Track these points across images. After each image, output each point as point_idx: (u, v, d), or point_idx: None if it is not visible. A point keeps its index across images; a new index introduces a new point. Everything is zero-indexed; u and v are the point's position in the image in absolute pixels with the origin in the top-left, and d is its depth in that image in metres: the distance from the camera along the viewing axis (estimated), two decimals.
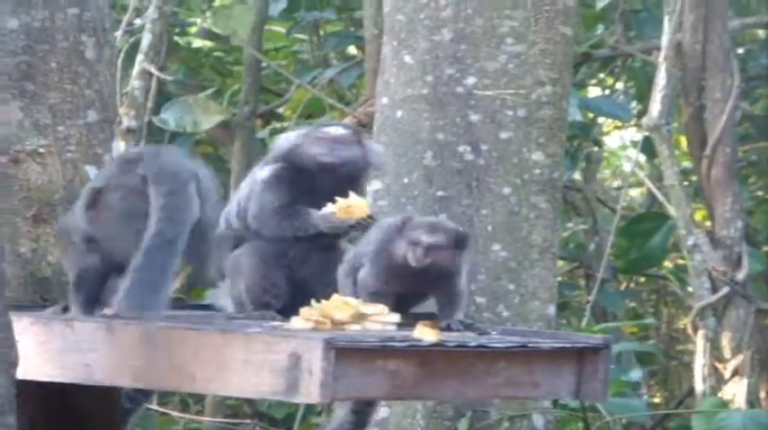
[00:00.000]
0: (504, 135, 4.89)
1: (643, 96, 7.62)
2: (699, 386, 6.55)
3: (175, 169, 4.01)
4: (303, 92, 7.80)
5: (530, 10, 4.98)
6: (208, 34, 8.40)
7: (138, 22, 7.54)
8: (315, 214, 4.22)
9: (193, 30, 8.69)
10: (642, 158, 8.31)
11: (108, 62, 4.49)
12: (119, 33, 7.31)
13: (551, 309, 5.03)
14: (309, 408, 7.01)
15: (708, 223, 6.78)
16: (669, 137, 6.63)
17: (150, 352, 3.78)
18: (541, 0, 5.02)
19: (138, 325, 3.83)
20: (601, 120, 8.46)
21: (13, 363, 3.60)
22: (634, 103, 8.40)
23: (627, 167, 9.67)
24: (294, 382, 3.56)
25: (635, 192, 9.83)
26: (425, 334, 3.72)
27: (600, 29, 7.96)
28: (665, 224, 7.01)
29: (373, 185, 4.86)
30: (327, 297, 3.93)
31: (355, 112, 7.21)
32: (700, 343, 6.57)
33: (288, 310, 4.08)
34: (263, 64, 8.07)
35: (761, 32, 8.10)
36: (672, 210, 6.69)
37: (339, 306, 3.88)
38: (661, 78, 6.52)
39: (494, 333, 4.05)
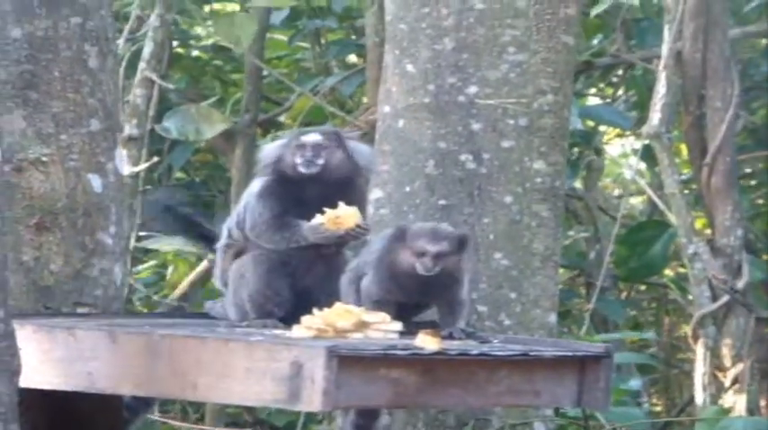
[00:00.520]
0: (505, 144, 4.89)
1: (644, 105, 7.63)
2: (699, 394, 6.55)
3: None
4: (305, 100, 7.80)
5: (531, 19, 4.98)
6: (213, 48, 8.41)
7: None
8: (304, 226, 4.22)
9: (197, 42, 8.70)
10: (643, 166, 8.31)
11: (111, 71, 4.50)
12: (121, 41, 7.32)
13: (552, 318, 5.04)
14: (310, 416, 7.01)
15: (708, 231, 6.79)
16: (669, 145, 6.63)
17: (152, 360, 3.79)
18: (543, 9, 5.04)
19: (140, 333, 3.84)
20: (602, 128, 8.46)
21: (16, 372, 3.61)
22: (634, 113, 8.41)
23: (628, 175, 9.67)
24: (296, 390, 3.57)
25: (636, 201, 9.83)
26: (427, 342, 3.72)
27: (600, 38, 7.97)
28: (666, 232, 7.02)
29: (374, 194, 4.86)
30: (330, 305, 3.94)
31: (357, 121, 7.22)
32: (700, 351, 6.57)
33: (290, 319, 4.09)
34: (265, 72, 8.08)
35: (763, 41, 8.11)
36: (672, 219, 6.69)
37: (341, 314, 3.88)
38: (661, 87, 6.53)
39: (495, 341, 4.06)
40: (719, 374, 6.55)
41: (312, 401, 3.54)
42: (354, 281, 4.12)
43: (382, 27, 5.95)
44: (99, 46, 4.45)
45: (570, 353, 3.89)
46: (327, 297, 4.14)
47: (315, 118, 7.83)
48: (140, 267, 7.74)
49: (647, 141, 6.73)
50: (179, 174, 8.87)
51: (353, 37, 8.52)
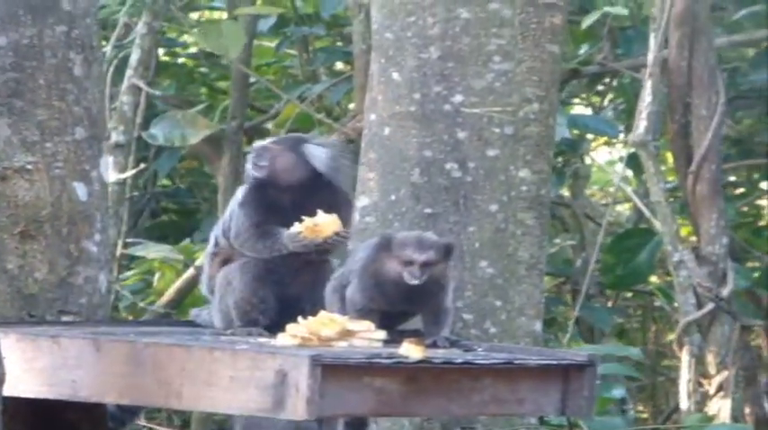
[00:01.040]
0: (491, 152, 4.90)
1: (632, 113, 7.65)
2: (684, 402, 6.56)
3: None
4: (292, 107, 7.81)
5: (517, 28, 4.99)
6: (200, 55, 8.41)
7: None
8: (283, 234, 4.24)
9: (184, 49, 8.70)
10: (630, 174, 8.33)
11: (96, 79, 4.50)
12: (108, 49, 7.32)
13: (538, 326, 5.04)
14: None
15: (693, 239, 6.80)
16: (655, 153, 6.64)
17: (137, 368, 3.79)
18: (529, 18, 5.04)
19: (124, 341, 3.83)
20: (589, 136, 8.48)
21: (0, 380, 3.60)
22: (620, 121, 8.43)
23: (614, 183, 9.68)
24: (281, 399, 3.57)
25: (622, 208, 9.84)
26: (411, 351, 3.73)
27: (587, 46, 7.98)
28: (652, 240, 7.03)
29: (360, 202, 4.86)
30: (315, 314, 3.94)
31: (344, 128, 7.23)
32: (685, 358, 6.58)
33: (275, 327, 4.09)
34: (253, 79, 8.08)
35: (750, 50, 8.13)
36: (658, 226, 6.70)
37: (326, 322, 3.88)
38: (647, 95, 6.53)
39: (480, 349, 4.06)
40: (704, 381, 6.56)
41: (296, 410, 3.55)
42: (339, 289, 4.12)
43: (369, 35, 5.95)
44: (84, 54, 4.45)
45: (554, 362, 3.90)
46: (312, 305, 4.15)
47: (302, 125, 7.83)
48: (127, 274, 7.73)
49: (633, 149, 6.74)
50: (164, 181, 8.87)
51: (341, 44, 8.53)
